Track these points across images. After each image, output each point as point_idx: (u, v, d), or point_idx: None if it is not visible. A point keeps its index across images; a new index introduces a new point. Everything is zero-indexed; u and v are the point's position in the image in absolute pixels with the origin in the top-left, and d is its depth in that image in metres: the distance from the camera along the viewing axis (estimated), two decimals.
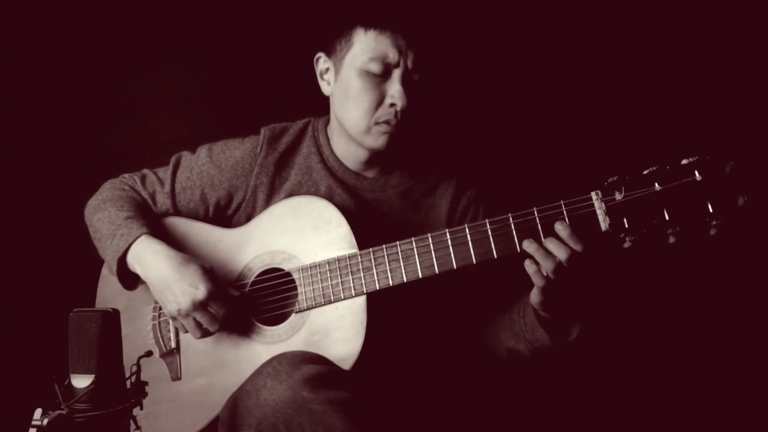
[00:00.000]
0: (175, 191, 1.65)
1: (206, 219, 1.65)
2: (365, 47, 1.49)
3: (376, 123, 1.51)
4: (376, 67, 1.48)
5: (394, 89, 1.48)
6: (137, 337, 1.62)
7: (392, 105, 1.49)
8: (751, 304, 1.98)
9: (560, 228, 1.30)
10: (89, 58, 2.16)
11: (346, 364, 1.40)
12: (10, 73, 2.14)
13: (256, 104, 2.11)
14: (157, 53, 2.17)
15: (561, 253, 1.30)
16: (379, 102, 1.50)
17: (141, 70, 2.17)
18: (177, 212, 1.66)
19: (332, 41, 1.56)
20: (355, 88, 1.51)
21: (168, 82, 2.19)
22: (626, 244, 1.29)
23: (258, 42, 2.12)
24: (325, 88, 1.60)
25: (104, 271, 1.70)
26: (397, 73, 1.49)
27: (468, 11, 2.08)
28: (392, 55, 1.48)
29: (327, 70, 1.59)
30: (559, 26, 2.05)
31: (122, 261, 1.54)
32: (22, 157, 2.17)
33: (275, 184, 1.62)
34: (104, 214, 1.58)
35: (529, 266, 1.32)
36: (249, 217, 1.62)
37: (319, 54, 1.60)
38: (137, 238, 1.52)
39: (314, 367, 1.30)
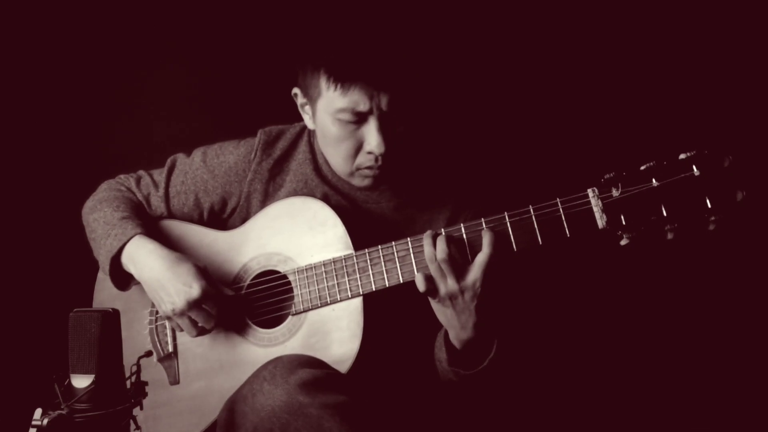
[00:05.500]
0: (169, 195, 1.64)
1: (201, 222, 1.64)
2: (334, 98, 1.41)
3: (358, 169, 1.48)
4: (348, 117, 1.41)
5: (371, 137, 1.41)
6: (134, 341, 1.62)
7: (371, 152, 1.44)
8: (750, 300, 1.97)
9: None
10: (88, 59, 2.16)
11: (344, 366, 1.39)
12: (10, 73, 2.14)
13: (254, 104, 2.09)
14: (156, 54, 2.16)
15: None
16: (358, 148, 1.45)
17: (140, 71, 2.17)
18: (171, 215, 1.65)
19: (304, 82, 1.49)
20: (331, 134, 1.46)
21: (167, 82, 2.19)
22: (623, 242, 1.27)
23: (256, 42, 2.11)
24: (308, 122, 1.54)
25: (100, 275, 1.70)
26: (372, 120, 1.41)
27: (452, 17, 2.04)
28: (363, 105, 1.39)
29: (305, 104, 1.52)
30: (554, 21, 2.03)
31: (116, 260, 1.54)
32: (22, 157, 2.17)
33: (269, 191, 1.60)
34: (100, 215, 1.59)
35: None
36: (244, 222, 1.60)
37: (295, 90, 1.53)
38: (131, 237, 1.52)
39: (310, 372, 1.29)
